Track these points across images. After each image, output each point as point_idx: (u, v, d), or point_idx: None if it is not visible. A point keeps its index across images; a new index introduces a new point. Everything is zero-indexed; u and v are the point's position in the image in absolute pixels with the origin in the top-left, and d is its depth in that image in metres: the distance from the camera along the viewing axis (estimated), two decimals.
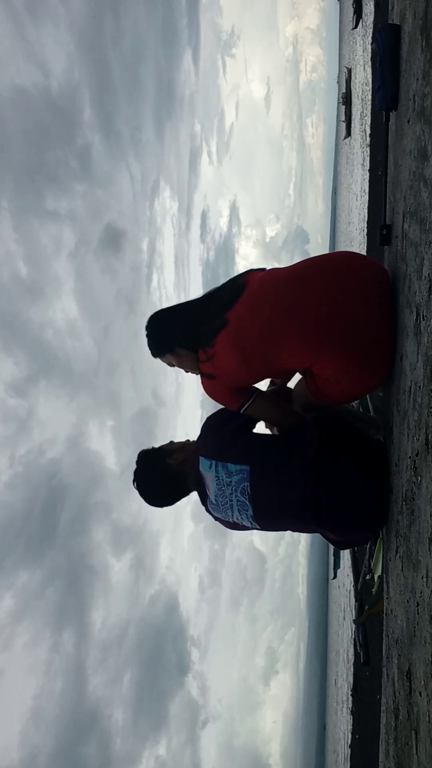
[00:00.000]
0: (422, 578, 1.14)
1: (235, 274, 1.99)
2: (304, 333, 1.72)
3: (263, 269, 1.93)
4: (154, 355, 2.00)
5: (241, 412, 1.91)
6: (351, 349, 1.69)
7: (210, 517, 2.05)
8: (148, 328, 1.98)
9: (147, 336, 1.98)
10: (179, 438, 2.15)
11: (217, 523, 2.06)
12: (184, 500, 2.13)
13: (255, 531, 1.99)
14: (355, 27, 11.54)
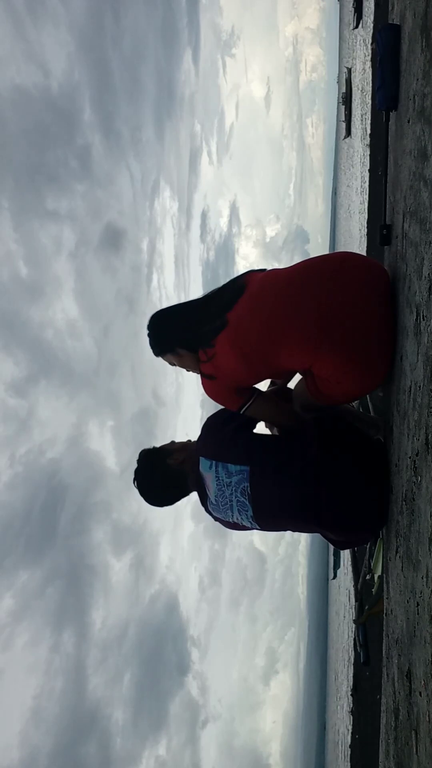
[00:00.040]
0: (422, 578, 1.14)
1: (235, 274, 1.99)
2: (304, 333, 1.72)
3: (263, 270, 1.93)
4: (156, 354, 2.01)
5: (242, 412, 1.91)
6: (351, 350, 1.69)
7: (210, 517, 2.05)
8: (149, 327, 1.98)
9: (148, 335, 1.99)
10: (179, 438, 2.15)
11: (217, 523, 2.06)
12: (184, 500, 2.13)
13: (255, 531, 1.99)
14: (356, 27, 11.54)
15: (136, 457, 2.09)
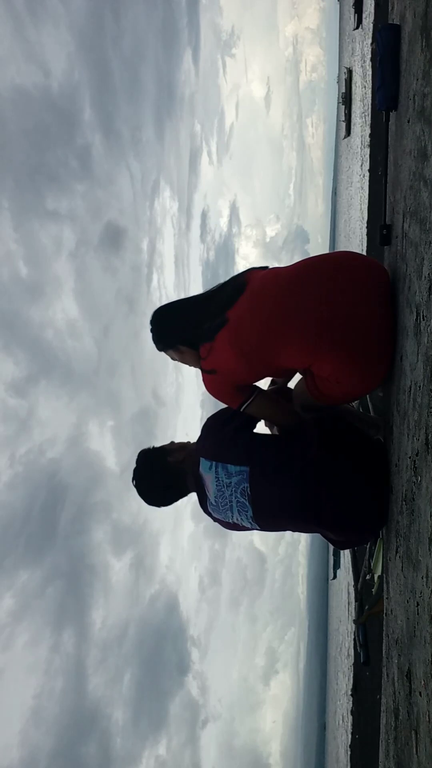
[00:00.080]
0: (422, 578, 1.14)
1: (236, 273, 1.99)
2: (303, 333, 1.72)
3: (265, 268, 1.93)
4: (159, 349, 2.03)
5: (242, 410, 1.91)
6: (351, 349, 1.69)
7: (209, 518, 2.05)
8: (152, 323, 2.00)
9: (151, 331, 2.00)
10: (179, 439, 2.15)
11: (216, 523, 2.06)
12: (184, 500, 2.12)
13: (255, 531, 1.99)
14: (356, 27, 11.54)
15: (136, 457, 2.10)
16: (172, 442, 2.10)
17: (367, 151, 8.74)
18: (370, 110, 8.55)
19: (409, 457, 1.34)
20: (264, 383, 2.04)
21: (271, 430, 2.09)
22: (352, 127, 13.61)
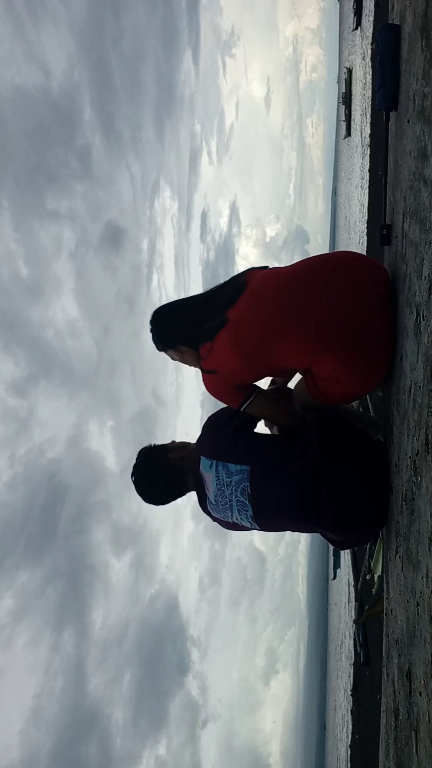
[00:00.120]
0: (422, 578, 1.14)
1: (235, 273, 1.99)
2: (303, 333, 1.72)
3: (265, 267, 1.93)
4: (159, 350, 2.03)
5: (242, 410, 1.91)
6: (351, 349, 1.70)
7: (209, 517, 2.05)
8: (151, 324, 2.00)
9: (151, 332, 2.00)
10: (180, 439, 2.15)
11: (216, 523, 2.06)
12: (184, 500, 2.12)
13: (255, 531, 1.99)
14: (356, 28, 11.54)
15: (136, 455, 2.09)
16: (173, 441, 2.10)
17: (367, 151, 8.74)
18: (370, 110, 8.54)
19: (409, 457, 1.34)
20: (264, 383, 2.04)
21: (271, 430, 2.09)
22: (352, 127, 13.61)
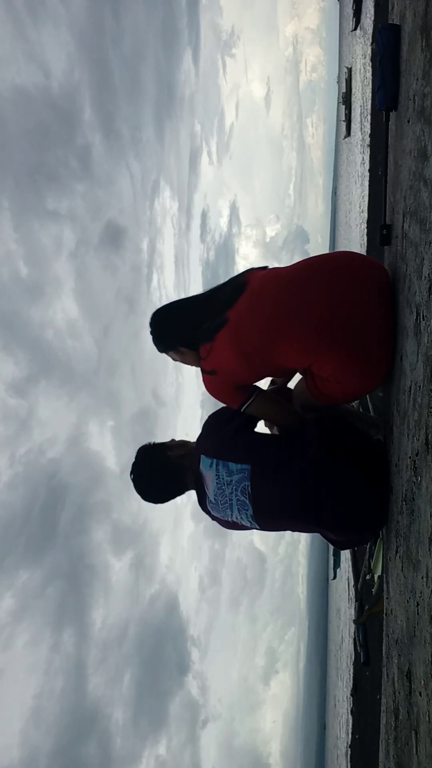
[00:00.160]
0: (422, 578, 1.14)
1: (236, 274, 1.99)
2: (303, 333, 1.72)
3: (265, 268, 1.93)
4: (159, 351, 2.03)
5: (242, 410, 1.91)
6: (351, 349, 1.70)
7: (209, 516, 2.05)
8: (151, 326, 2.00)
9: (151, 334, 2.00)
10: (179, 439, 2.15)
11: (216, 522, 2.06)
12: (184, 499, 2.12)
13: (255, 531, 1.99)
14: (355, 29, 11.54)
15: (135, 453, 2.09)
16: (173, 440, 2.10)
17: (367, 151, 8.74)
18: (370, 110, 8.54)
19: (409, 457, 1.34)
20: (264, 383, 2.04)
21: (271, 430, 2.09)
22: (352, 127, 13.61)
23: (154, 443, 2.09)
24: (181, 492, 2.07)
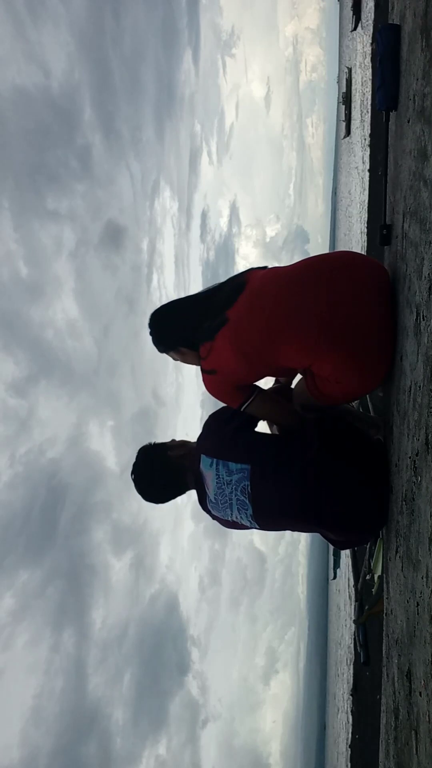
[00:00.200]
0: (422, 578, 1.14)
1: (235, 273, 1.99)
2: (303, 333, 1.72)
3: (264, 267, 1.93)
4: (160, 351, 2.02)
5: (242, 409, 1.91)
6: (351, 349, 1.70)
7: (209, 516, 2.05)
8: (150, 326, 1.99)
9: (150, 334, 2.00)
10: (179, 439, 2.15)
11: (216, 522, 2.06)
12: (184, 500, 2.13)
13: (255, 530, 1.99)
14: (355, 29, 11.54)
15: (136, 454, 2.09)
16: (173, 440, 2.10)
17: (367, 151, 8.73)
18: (370, 110, 8.54)
19: (409, 457, 1.34)
20: (265, 383, 2.04)
21: (271, 430, 2.09)
22: (352, 127, 13.60)
23: (154, 443, 2.09)
24: (181, 492, 2.07)
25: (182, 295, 2.35)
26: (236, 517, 1.92)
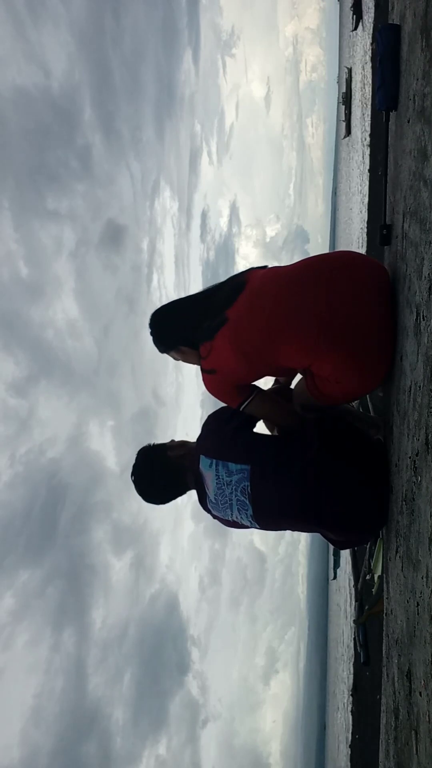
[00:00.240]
0: (422, 578, 1.14)
1: (235, 273, 1.99)
2: (303, 333, 1.72)
3: (264, 267, 1.93)
4: (160, 351, 2.03)
5: (241, 409, 1.91)
6: (351, 349, 1.70)
7: (209, 515, 2.05)
8: (151, 326, 2.00)
9: (151, 334, 2.00)
10: (179, 439, 2.15)
11: (217, 522, 2.06)
12: (184, 499, 2.13)
13: (255, 530, 1.99)
14: (355, 29, 11.53)
15: (135, 455, 2.09)
16: (172, 441, 2.10)
17: (367, 151, 8.74)
18: (370, 110, 8.54)
19: (409, 457, 1.34)
20: (265, 383, 2.04)
21: (271, 431, 2.09)
22: (352, 127, 13.60)
23: (153, 444, 2.09)
24: (182, 492, 2.07)
25: (182, 295, 2.35)
26: (236, 518, 1.92)
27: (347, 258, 1.87)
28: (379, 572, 2.26)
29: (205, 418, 2.07)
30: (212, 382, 1.90)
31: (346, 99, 14.13)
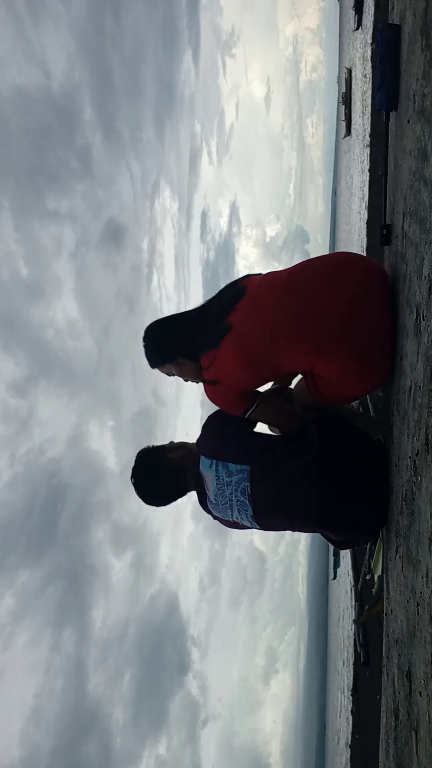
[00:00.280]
0: (422, 578, 1.14)
1: (236, 274, 2.02)
2: (304, 336, 1.71)
3: (259, 275, 1.92)
4: (154, 365, 1.99)
5: (246, 416, 1.90)
6: (351, 350, 1.70)
7: (209, 516, 2.05)
8: (146, 339, 1.97)
9: (145, 347, 1.97)
10: (179, 439, 2.14)
11: (217, 522, 2.06)
12: (184, 500, 2.12)
13: (255, 530, 1.99)
14: (356, 28, 11.53)
15: (135, 458, 2.09)
16: (172, 442, 2.10)
17: (367, 151, 8.73)
18: (370, 110, 8.54)
19: (409, 457, 1.34)
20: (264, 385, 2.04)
21: (272, 431, 2.09)
22: (352, 127, 13.60)
23: (153, 446, 2.09)
24: (182, 494, 2.07)
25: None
26: (236, 518, 1.92)
27: (346, 259, 1.87)
28: (379, 572, 2.26)
29: (205, 418, 2.07)
30: (216, 392, 1.89)
31: (346, 99, 14.12)
